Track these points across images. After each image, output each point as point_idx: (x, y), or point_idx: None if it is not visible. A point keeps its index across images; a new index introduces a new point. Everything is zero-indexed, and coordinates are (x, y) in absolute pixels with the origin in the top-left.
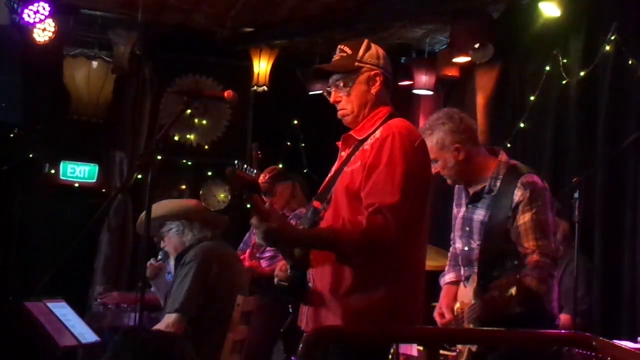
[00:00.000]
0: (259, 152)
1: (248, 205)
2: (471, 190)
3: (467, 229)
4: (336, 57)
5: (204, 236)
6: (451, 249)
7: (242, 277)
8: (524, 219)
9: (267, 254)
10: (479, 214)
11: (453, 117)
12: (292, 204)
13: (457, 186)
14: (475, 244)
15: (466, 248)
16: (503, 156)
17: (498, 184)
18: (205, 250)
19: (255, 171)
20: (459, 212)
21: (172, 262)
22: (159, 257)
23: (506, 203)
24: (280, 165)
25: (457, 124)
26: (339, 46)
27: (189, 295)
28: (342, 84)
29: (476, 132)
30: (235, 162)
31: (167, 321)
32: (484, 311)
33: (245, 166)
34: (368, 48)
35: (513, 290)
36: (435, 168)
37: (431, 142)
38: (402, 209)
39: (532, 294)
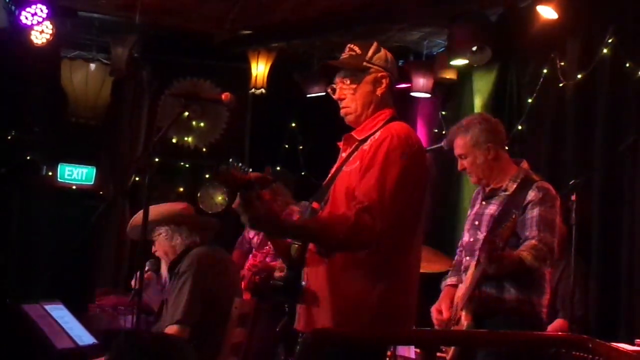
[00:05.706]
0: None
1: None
2: (487, 188)
3: (477, 222)
4: (345, 55)
5: (193, 241)
6: (456, 257)
7: (237, 279)
8: (532, 213)
9: (266, 249)
10: (491, 209)
11: (489, 119)
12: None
13: (474, 194)
14: (481, 235)
15: (472, 239)
16: (525, 164)
17: (515, 185)
18: (199, 257)
19: (250, 170)
20: (472, 211)
21: (163, 268)
22: (146, 267)
23: (519, 201)
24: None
25: (492, 125)
26: (349, 45)
27: (188, 306)
28: (349, 81)
29: (505, 139)
30: (230, 160)
31: (169, 332)
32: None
33: (239, 164)
34: (377, 50)
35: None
36: (461, 164)
37: (464, 138)
38: (390, 211)
39: (524, 266)
